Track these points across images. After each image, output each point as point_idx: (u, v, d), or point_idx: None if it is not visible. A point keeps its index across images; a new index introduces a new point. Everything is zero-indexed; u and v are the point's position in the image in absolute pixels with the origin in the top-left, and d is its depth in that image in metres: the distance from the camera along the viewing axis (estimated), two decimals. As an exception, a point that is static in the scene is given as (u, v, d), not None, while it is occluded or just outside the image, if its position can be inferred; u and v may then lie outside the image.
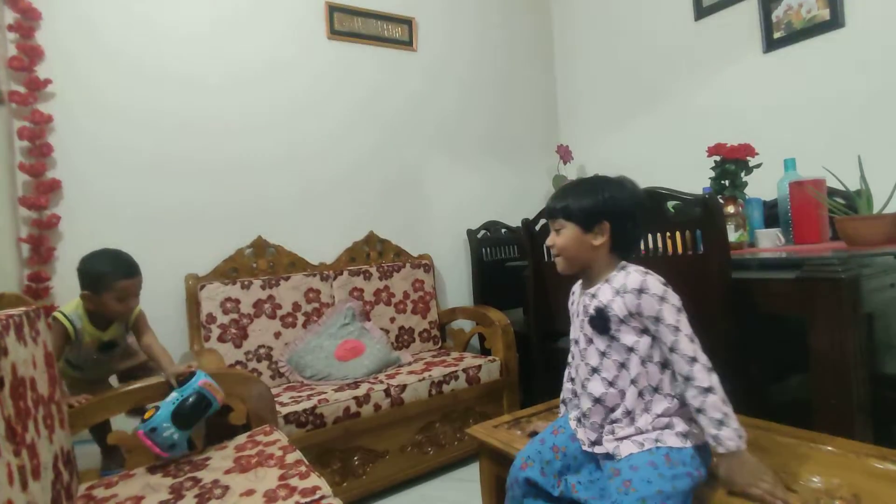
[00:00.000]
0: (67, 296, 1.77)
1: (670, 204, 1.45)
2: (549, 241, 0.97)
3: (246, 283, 2.03)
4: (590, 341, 0.93)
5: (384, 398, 1.78)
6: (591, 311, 0.91)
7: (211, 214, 2.09)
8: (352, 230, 2.41)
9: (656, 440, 0.83)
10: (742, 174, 1.82)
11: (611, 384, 0.88)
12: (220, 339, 1.91)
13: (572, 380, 1.04)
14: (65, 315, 1.37)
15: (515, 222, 2.75)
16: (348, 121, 2.43)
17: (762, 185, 1.85)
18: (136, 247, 1.86)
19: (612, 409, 0.88)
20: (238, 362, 1.93)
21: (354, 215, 2.43)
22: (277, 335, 2.04)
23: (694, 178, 1.96)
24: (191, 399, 1.24)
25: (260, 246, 2.16)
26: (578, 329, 0.96)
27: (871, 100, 1.89)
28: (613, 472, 0.83)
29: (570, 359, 1.06)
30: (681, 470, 0.80)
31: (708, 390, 0.80)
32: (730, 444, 0.78)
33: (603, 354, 0.90)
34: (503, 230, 2.77)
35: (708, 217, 1.32)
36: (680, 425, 0.85)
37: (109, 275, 1.35)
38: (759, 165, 1.80)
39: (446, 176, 2.72)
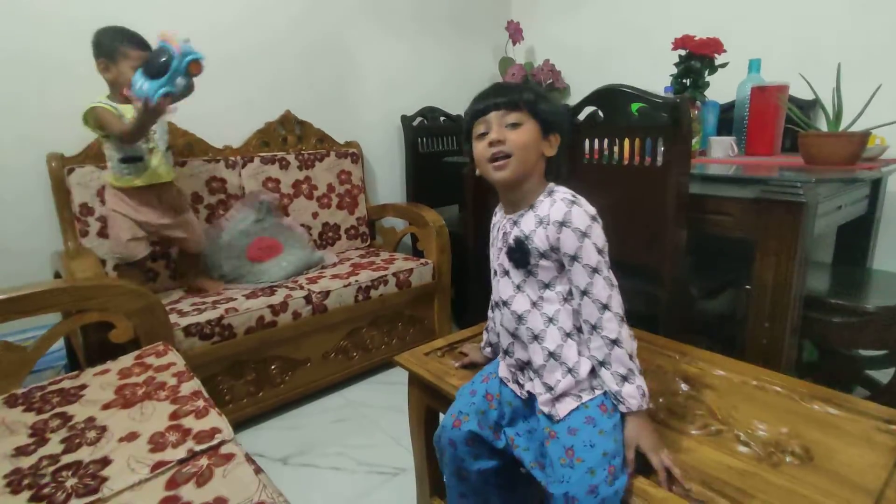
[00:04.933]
0: None
1: (635, 106, 1.27)
2: (497, 135, 0.76)
3: (131, 167, 1.67)
4: (505, 273, 0.81)
5: (304, 306, 1.61)
6: (511, 241, 0.79)
7: (80, 74, 1.62)
8: (264, 108, 2.03)
9: (592, 387, 0.75)
10: (706, 73, 1.66)
11: (520, 318, 0.79)
12: (102, 233, 1.60)
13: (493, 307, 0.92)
14: (101, 103, 1.38)
15: (456, 110, 2.49)
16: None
17: (720, 85, 1.70)
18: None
19: (530, 344, 0.78)
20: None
21: (267, 90, 2.03)
22: (176, 231, 1.75)
23: (651, 74, 1.77)
24: (154, 50, 1.29)
25: (147, 122, 1.76)
26: (495, 258, 0.84)
27: (853, 4, 1.73)
28: (550, 433, 0.74)
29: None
30: (617, 416, 0.73)
31: (615, 342, 0.72)
32: (631, 403, 0.71)
33: (518, 288, 0.80)
34: (442, 118, 2.49)
35: (675, 125, 1.17)
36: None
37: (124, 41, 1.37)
38: (725, 65, 1.64)
39: (378, 49, 2.33)
